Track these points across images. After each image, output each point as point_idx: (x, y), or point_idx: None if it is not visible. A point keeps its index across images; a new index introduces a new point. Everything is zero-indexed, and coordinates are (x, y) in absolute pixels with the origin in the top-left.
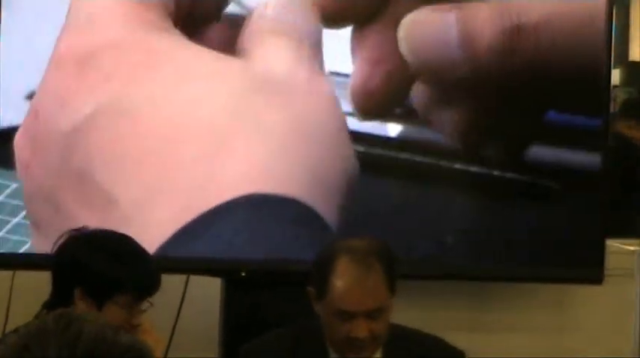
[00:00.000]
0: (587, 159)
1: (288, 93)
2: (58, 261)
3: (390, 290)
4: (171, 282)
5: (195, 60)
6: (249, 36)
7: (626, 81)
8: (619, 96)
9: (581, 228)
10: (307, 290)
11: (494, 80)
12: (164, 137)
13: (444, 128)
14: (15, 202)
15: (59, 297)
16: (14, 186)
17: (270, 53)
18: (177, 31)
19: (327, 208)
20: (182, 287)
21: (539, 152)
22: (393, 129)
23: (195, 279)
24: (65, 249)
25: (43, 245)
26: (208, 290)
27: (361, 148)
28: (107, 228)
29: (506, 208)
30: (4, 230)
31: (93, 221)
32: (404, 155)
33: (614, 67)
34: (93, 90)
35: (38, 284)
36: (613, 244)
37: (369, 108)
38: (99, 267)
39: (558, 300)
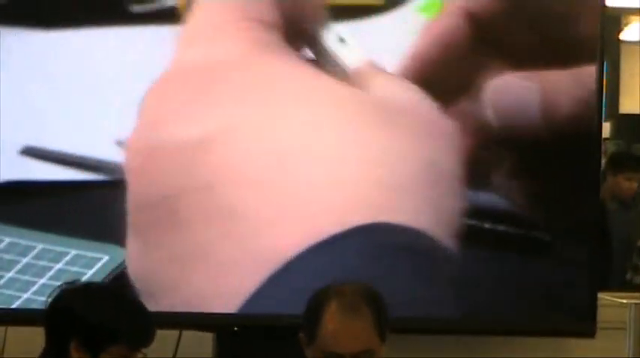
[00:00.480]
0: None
1: (413, 124)
2: (53, 313)
3: (380, 335)
4: (163, 336)
5: (317, 84)
6: (359, 74)
7: (615, 133)
8: (609, 149)
9: (573, 281)
10: (299, 336)
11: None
12: (287, 158)
13: (510, 194)
14: (9, 257)
15: (53, 350)
16: (7, 240)
17: (390, 85)
18: (294, 54)
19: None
20: (175, 342)
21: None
22: None
23: (187, 334)
24: (60, 301)
25: (140, 251)
26: (200, 346)
27: None
28: (101, 282)
29: (497, 260)
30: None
31: (211, 232)
32: None
33: (605, 120)
34: (219, 105)
35: (30, 338)
36: (605, 297)
37: None
38: (95, 318)
39: (551, 354)
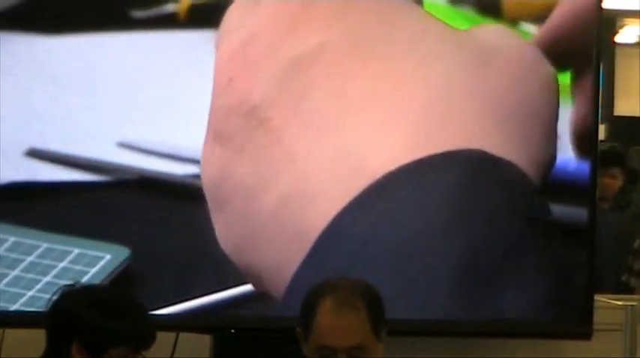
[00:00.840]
0: (575, 213)
1: (512, 65)
2: (54, 315)
3: (374, 332)
4: (160, 338)
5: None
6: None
7: (610, 135)
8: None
9: (569, 283)
10: (297, 332)
11: None
12: (402, 85)
13: None
14: (14, 255)
15: (54, 352)
16: (12, 239)
17: (495, 31)
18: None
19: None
20: (172, 343)
21: None
22: None
23: (184, 336)
24: (61, 303)
25: (228, 160)
26: (197, 348)
27: None
28: (101, 284)
29: None
30: (3, 283)
31: (301, 140)
32: None
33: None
34: (323, 24)
35: (28, 339)
36: (601, 299)
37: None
38: (96, 320)
39: (547, 355)
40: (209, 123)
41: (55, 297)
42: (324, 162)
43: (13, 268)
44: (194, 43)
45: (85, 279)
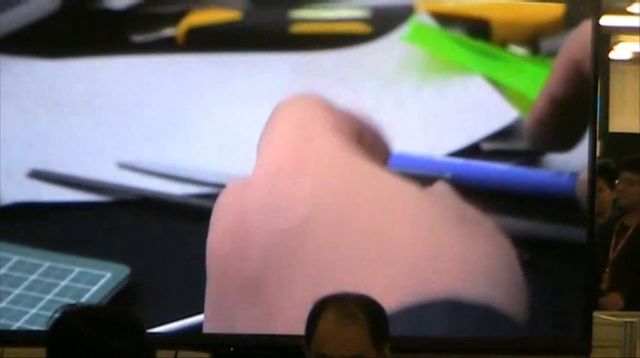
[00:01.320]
0: (574, 232)
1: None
2: (54, 333)
3: (375, 344)
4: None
5: (393, 188)
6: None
7: (605, 152)
8: None
9: (568, 299)
10: (301, 343)
11: None
12: (371, 241)
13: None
14: (17, 274)
15: None
16: (16, 258)
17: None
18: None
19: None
20: None
21: (526, 225)
22: None
23: (183, 354)
24: (62, 322)
25: (216, 324)
26: None
27: None
28: (101, 304)
29: None
30: (6, 301)
31: (294, 311)
32: None
33: None
34: (308, 196)
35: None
36: (600, 316)
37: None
38: (96, 338)
39: None
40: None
41: (55, 316)
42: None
43: (16, 286)
44: (192, 66)
45: (86, 297)
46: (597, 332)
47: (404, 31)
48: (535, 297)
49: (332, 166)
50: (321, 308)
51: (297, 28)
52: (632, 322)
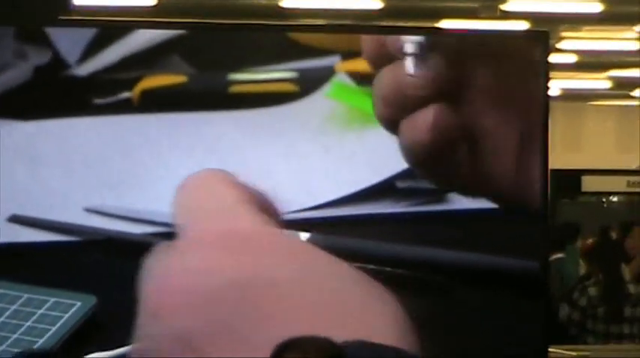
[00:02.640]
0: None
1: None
2: None
3: None
4: None
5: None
6: None
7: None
8: None
9: (523, 335)
10: None
11: None
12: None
13: None
14: (1, 305)
15: None
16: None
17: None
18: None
19: None
20: None
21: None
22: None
23: None
24: None
25: None
26: None
27: None
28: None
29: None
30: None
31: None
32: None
33: None
34: (239, 265)
35: None
36: (556, 350)
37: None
38: None
39: None
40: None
41: None
42: None
43: (0, 315)
44: (147, 124)
45: (60, 322)
46: None
47: (327, 89)
48: (489, 332)
49: (257, 236)
50: (282, 352)
51: (235, 89)
52: (586, 355)
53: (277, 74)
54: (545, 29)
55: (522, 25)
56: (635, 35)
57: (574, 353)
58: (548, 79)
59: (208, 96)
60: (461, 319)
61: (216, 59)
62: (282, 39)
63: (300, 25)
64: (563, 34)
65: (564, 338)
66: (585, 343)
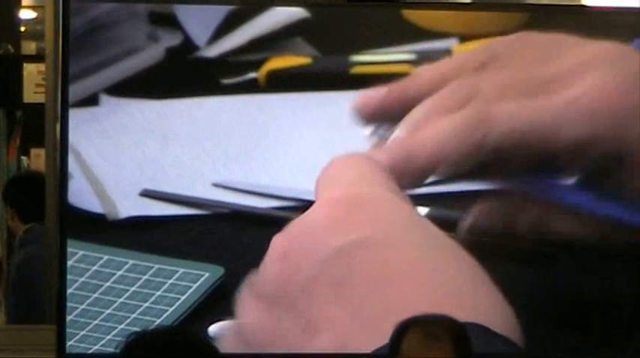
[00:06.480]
0: None
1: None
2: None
3: None
4: None
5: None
6: None
7: None
8: None
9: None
10: None
11: None
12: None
13: None
14: (132, 275)
15: None
16: (131, 262)
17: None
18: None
19: None
20: None
21: None
22: None
23: None
24: (133, 348)
25: (270, 319)
26: None
27: None
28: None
29: None
30: (124, 297)
31: (342, 320)
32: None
33: None
34: (361, 224)
35: None
36: None
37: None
38: None
39: None
40: (254, 282)
41: (130, 339)
42: (364, 327)
43: (132, 285)
44: (272, 104)
45: (188, 293)
46: None
47: None
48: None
49: (385, 204)
50: (405, 329)
51: (355, 70)
52: None
53: (396, 56)
54: None
55: None
56: None
57: None
58: None
59: (331, 76)
60: None
61: (337, 42)
62: (401, 22)
63: (419, 2)
64: None
65: None
66: None
